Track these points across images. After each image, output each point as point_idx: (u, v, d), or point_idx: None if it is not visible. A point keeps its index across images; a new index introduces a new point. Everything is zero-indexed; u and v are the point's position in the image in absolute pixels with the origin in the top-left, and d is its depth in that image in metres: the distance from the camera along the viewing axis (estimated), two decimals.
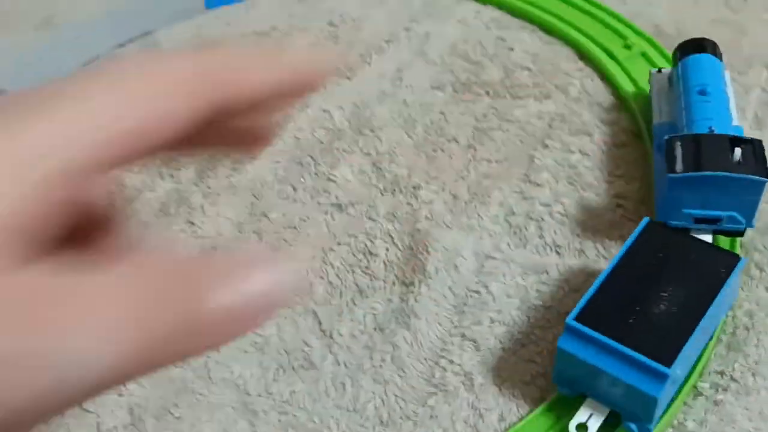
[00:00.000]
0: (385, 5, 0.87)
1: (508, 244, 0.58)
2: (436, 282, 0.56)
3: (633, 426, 0.44)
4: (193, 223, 0.65)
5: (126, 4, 0.93)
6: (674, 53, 0.63)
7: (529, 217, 0.60)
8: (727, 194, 0.48)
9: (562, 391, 0.47)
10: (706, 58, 0.60)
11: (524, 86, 0.72)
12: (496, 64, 0.75)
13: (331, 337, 0.54)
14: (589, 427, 0.45)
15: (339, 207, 0.64)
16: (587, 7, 0.79)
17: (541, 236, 0.59)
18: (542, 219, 0.60)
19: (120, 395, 0.52)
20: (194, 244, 0.63)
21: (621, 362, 0.43)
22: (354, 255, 0.60)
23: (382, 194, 0.64)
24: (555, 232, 0.59)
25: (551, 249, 0.58)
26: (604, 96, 0.70)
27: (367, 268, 0.58)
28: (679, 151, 0.50)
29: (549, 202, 0.61)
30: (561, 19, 0.79)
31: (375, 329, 0.54)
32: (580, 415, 0.45)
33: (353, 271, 0.58)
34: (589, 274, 0.56)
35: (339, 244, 0.61)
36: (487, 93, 0.72)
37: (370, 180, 0.66)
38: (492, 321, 0.54)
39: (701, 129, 0.53)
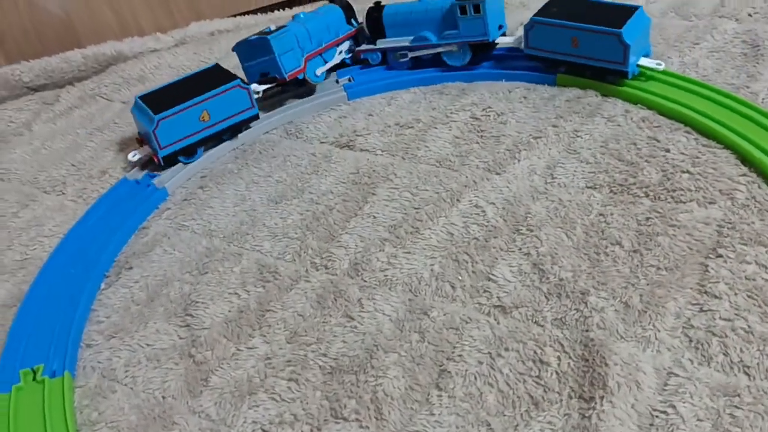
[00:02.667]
0: (528, 101, 0.87)
1: (691, 360, 0.55)
2: (619, 399, 0.53)
3: None
4: (351, 318, 0.64)
5: (281, 95, 0.96)
6: None
7: (711, 332, 0.57)
8: None
9: None
10: None
11: (686, 190, 0.70)
12: (653, 165, 0.73)
13: None
14: None
15: (502, 309, 0.62)
16: (743, 109, 0.77)
17: (725, 353, 0.55)
18: (725, 335, 0.56)
19: None
20: (354, 339, 0.62)
21: None
22: (524, 363, 0.58)
23: (547, 298, 0.62)
24: (741, 350, 0.55)
25: (739, 369, 0.54)
26: None
27: (538, 377, 0.56)
28: None
29: (730, 316, 0.58)
30: (716, 120, 0.77)
31: None
32: None
33: (524, 381, 0.56)
34: None
35: (507, 349, 0.59)
36: (647, 195, 0.70)
37: (532, 282, 0.64)
38: None
39: None
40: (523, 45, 0.88)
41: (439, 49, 0.92)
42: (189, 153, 0.85)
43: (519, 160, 0.78)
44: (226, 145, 0.89)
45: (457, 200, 0.74)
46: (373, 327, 0.63)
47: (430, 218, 0.73)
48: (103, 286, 0.72)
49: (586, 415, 0.53)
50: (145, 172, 0.85)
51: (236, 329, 0.65)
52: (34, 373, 0.63)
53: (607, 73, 0.84)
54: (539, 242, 0.67)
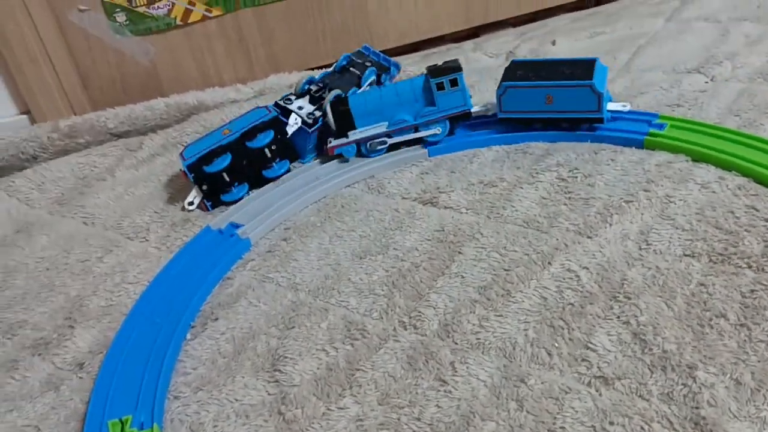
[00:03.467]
0: (617, 164, 0.85)
1: None
2: None
3: None
4: (445, 382, 0.62)
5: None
6: None
7: None
8: None
9: None
10: None
11: None
12: (753, 235, 0.71)
13: None
14: None
15: (604, 380, 0.60)
16: None
17: None
18: None
19: None
20: (449, 405, 0.60)
21: None
22: None
23: (651, 370, 0.60)
24: None
25: None
26: None
27: None
28: None
29: None
30: None
31: None
32: None
33: None
34: None
35: (611, 423, 0.56)
36: (749, 266, 0.68)
37: (634, 352, 0.62)
38: None
39: None
40: (497, 110, 0.91)
41: (421, 132, 0.92)
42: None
43: (611, 224, 0.76)
44: (307, 198, 0.89)
45: (549, 263, 0.73)
46: (468, 392, 0.61)
47: (521, 281, 0.71)
48: (188, 336, 0.72)
49: None
50: (228, 222, 0.86)
51: (326, 387, 0.63)
52: (122, 424, 0.62)
53: (582, 123, 0.89)
54: (638, 311, 0.65)
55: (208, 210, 0.89)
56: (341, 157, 0.94)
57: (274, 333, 0.70)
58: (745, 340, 0.61)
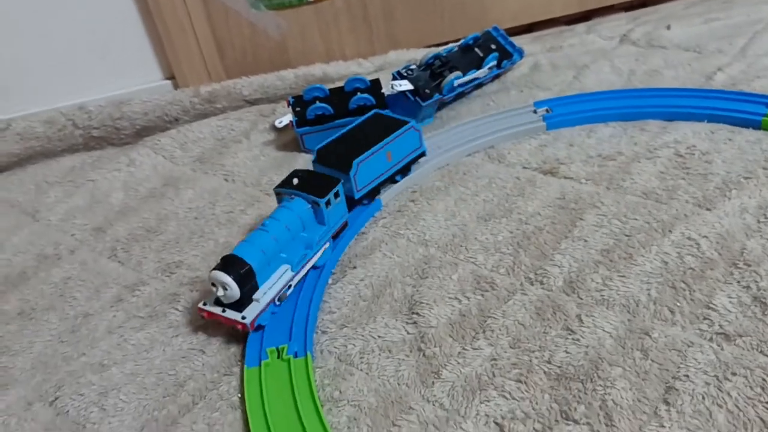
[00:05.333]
0: (734, 143, 0.89)
1: None
2: None
3: None
4: (572, 331, 0.67)
5: (480, 122, 1.02)
6: None
7: None
8: None
9: None
10: None
11: None
12: None
13: None
14: None
15: (725, 336, 0.64)
16: None
17: None
18: None
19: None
20: (577, 351, 0.65)
21: None
22: (752, 388, 0.59)
23: None
24: None
25: None
26: None
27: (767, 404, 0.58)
28: None
29: None
30: None
31: None
32: None
33: (754, 405, 0.58)
34: None
35: (734, 374, 0.61)
36: None
37: (754, 314, 0.66)
38: None
39: None
40: (353, 192, 0.85)
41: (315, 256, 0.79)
42: None
43: (729, 198, 0.80)
44: (431, 164, 0.95)
45: (669, 231, 0.77)
46: (595, 341, 0.66)
47: (642, 246, 0.75)
48: (330, 281, 0.79)
49: None
50: None
51: (460, 330, 0.70)
52: (279, 352, 0.70)
53: (412, 164, 0.92)
54: (758, 277, 0.69)
55: (293, 127, 1.00)
56: (456, 127, 0.99)
57: (408, 282, 0.77)
58: None
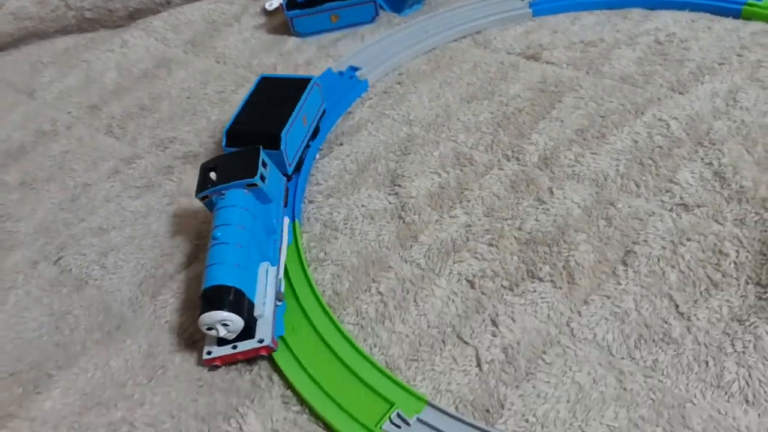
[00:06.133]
0: (712, 31, 0.91)
1: None
2: None
3: None
4: (543, 202, 0.72)
5: (468, 8, 1.03)
6: None
7: None
8: None
9: None
10: None
11: None
12: None
13: (689, 319, 0.59)
14: None
15: (685, 207, 0.69)
16: None
17: None
18: None
19: (494, 336, 0.60)
20: (546, 219, 0.70)
21: None
22: (703, 252, 0.64)
23: (727, 202, 0.68)
24: None
25: None
26: None
27: (717, 265, 0.63)
28: None
29: None
30: None
31: (732, 319, 0.59)
32: None
33: (704, 266, 0.63)
34: None
35: (688, 239, 0.66)
36: None
37: (713, 187, 0.70)
38: None
39: None
40: (285, 168, 0.75)
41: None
42: None
43: (702, 83, 0.83)
44: (418, 48, 0.97)
45: (642, 113, 0.80)
46: (564, 211, 0.71)
47: (615, 126, 0.79)
48: (317, 156, 0.83)
49: (763, 297, 0.59)
50: (348, 65, 0.95)
51: (439, 201, 0.74)
52: None
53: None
54: (721, 155, 0.73)
55: (284, 11, 1.01)
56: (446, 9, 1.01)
57: (392, 158, 0.81)
58: None
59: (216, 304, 0.58)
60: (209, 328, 0.59)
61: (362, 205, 0.75)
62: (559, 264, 0.65)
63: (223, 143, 0.74)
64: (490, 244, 0.69)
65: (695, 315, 0.60)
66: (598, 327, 0.60)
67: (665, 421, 0.53)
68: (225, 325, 0.59)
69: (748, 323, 0.58)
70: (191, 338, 0.64)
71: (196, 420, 0.58)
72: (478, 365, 0.59)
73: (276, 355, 0.61)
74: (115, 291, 0.70)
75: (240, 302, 0.59)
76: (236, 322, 0.59)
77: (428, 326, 0.62)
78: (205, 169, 0.69)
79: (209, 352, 0.61)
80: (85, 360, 0.64)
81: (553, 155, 0.77)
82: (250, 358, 0.61)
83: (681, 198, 0.70)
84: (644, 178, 0.73)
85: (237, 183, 0.66)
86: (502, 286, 0.65)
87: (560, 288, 0.63)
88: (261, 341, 0.60)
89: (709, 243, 0.65)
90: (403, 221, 0.72)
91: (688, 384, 0.55)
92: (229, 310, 0.58)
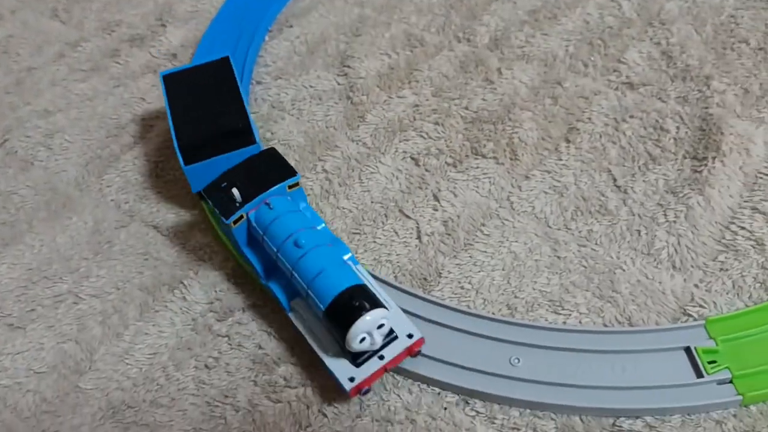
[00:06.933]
0: None
1: None
2: (730, 160, 0.61)
3: None
4: (491, 82, 0.72)
5: None
6: None
7: None
8: None
9: None
10: None
11: None
12: None
13: (625, 192, 0.61)
14: None
15: (630, 86, 0.69)
16: None
17: None
18: None
19: (435, 210, 0.61)
20: (493, 98, 0.70)
21: None
22: (645, 128, 0.65)
23: (672, 80, 0.69)
24: None
25: None
26: None
27: (657, 140, 0.64)
28: None
29: None
30: None
31: (667, 192, 0.60)
32: None
33: (644, 142, 0.64)
34: None
35: (631, 116, 0.66)
36: None
37: (660, 66, 0.70)
38: None
39: None
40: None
41: None
42: None
43: None
44: None
45: None
46: (511, 90, 0.71)
47: (567, 7, 0.78)
48: (266, 38, 0.81)
49: (698, 170, 0.61)
50: None
51: (388, 82, 0.74)
52: None
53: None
54: (670, 34, 0.73)
55: None
56: None
57: (342, 39, 0.79)
58: (760, 61, 0.69)
59: (368, 305, 0.48)
60: (361, 340, 0.48)
61: (310, 86, 0.74)
62: (503, 141, 0.66)
63: (181, 162, 0.60)
64: (437, 123, 0.69)
65: (632, 188, 0.61)
66: (537, 200, 0.61)
67: (595, 285, 0.55)
68: (380, 327, 0.49)
69: (681, 194, 0.59)
70: (134, 214, 0.64)
71: (141, 290, 0.59)
72: (419, 237, 0.60)
73: (215, 233, 0.61)
74: (61, 171, 0.70)
75: (373, 296, 0.49)
76: (390, 317, 0.49)
77: (372, 202, 0.63)
78: (209, 190, 0.55)
79: (351, 378, 0.49)
80: (31, 237, 0.64)
81: (503, 36, 0.76)
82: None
83: (627, 77, 0.70)
84: (592, 58, 0.72)
85: (276, 189, 0.55)
86: (446, 163, 0.65)
87: (503, 164, 0.64)
88: (410, 336, 0.50)
89: (651, 120, 0.66)
90: (351, 102, 0.72)
91: (619, 252, 0.57)
92: (376, 307, 0.48)
